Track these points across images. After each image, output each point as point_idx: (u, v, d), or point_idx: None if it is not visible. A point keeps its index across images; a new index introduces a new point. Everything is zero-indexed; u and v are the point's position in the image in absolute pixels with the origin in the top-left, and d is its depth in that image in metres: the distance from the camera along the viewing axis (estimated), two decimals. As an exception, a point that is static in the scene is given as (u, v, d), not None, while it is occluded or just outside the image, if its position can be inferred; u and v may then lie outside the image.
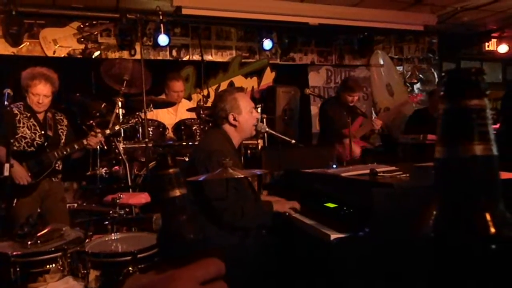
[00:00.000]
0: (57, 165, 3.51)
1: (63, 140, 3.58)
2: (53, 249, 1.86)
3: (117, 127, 3.61)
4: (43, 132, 3.43)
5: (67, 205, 4.04)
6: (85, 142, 3.42)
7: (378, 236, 1.77)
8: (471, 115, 0.43)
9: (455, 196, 0.44)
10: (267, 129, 2.81)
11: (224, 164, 1.95)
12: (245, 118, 2.45)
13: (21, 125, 3.36)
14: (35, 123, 3.42)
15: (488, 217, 0.42)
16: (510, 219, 0.43)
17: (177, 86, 4.61)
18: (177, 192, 0.62)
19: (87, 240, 2.02)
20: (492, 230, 0.42)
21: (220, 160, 2.13)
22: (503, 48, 6.67)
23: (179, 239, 0.61)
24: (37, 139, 3.40)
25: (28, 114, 3.40)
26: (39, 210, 3.40)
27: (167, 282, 0.54)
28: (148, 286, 0.54)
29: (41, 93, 3.35)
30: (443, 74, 0.45)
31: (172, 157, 0.63)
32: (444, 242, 0.43)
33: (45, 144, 3.41)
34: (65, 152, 3.43)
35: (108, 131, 3.54)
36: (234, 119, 2.42)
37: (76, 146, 3.43)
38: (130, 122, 3.72)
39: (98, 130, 3.54)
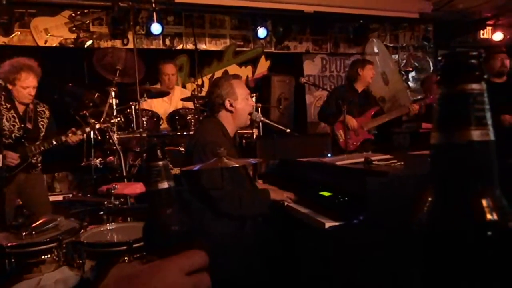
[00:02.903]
0: (34, 159, 3.43)
1: (43, 133, 3.49)
2: (48, 239, 1.86)
3: (97, 125, 3.52)
4: (22, 125, 3.35)
5: (63, 196, 4.03)
6: (63, 138, 3.35)
7: (373, 224, 1.77)
8: (468, 100, 0.42)
9: (451, 182, 0.43)
10: (262, 118, 2.80)
11: (219, 153, 1.95)
12: (241, 104, 2.43)
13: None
14: (15, 115, 3.34)
15: (484, 203, 0.42)
16: (506, 205, 0.43)
17: (168, 68, 4.61)
18: (165, 184, 0.62)
19: (82, 231, 2.02)
20: (489, 216, 0.41)
21: (214, 151, 2.13)
22: (498, 36, 6.66)
23: (165, 231, 0.62)
24: (16, 131, 3.32)
25: (8, 106, 3.32)
26: (20, 202, 3.37)
27: (153, 271, 0.53)
28: (133, 276, 0.54)
29: (31, 85, 3.29)
30: (439, 57, 0.44)
31: (161, 149, 0.63)
32: (439, 228, 0.42)
33: (24, 136, 3.34)
34: (42, 148, 3.35)
35: (88, 129, 3.47)
36: (231, 105, 2.41)
37: (54, 142, 3.35)
38: (112, 121, 3.61)
39: (93, 121, 3.50)
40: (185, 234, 0.63)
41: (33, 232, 1.91)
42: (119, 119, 3.67)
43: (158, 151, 0.63)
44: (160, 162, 0.62)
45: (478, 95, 0.43)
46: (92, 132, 4.01)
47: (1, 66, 3.34)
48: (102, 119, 3.61)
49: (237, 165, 2.00)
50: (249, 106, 2.49)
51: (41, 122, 3.52)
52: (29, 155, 3.33)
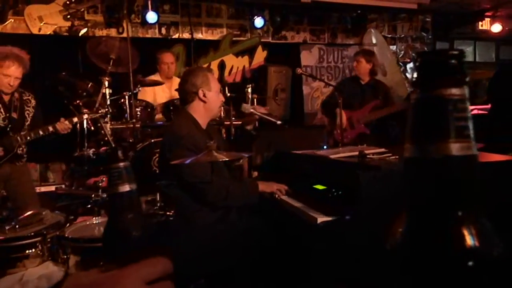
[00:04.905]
0: (20, 150, 3.34)
1: (28, 123, 3.39)
2: (32, 234, 1.81)
3: (85, 116, 3.45)
4: (7, 114, 3.26)
5: (55, 186, 3.99)
6: (50, 128, 3.27)
7: (364, 220, 1.74)
8: (447, 107, 0.36)
9: (426, 204, 0.37)
10: (251, 110, 2.76)
11: (208, 147, 1.92)
12: (214, 97, 2.45)
13: None
14: (0, 105, 3.25)
15: (464, 229, 0.36)
16: (490, 230, 0.37)
17: (166, 57, 4.57)
18: (126, 187, 0.58)
19: (68, 225, 1.98)
20: (469, 243, 0.36)
21: (189, 145, 2.14)
22: (496, 28, 6.60)
23: (125, 237, 0.58)
24: (0, 121, 3.23)
25: None
26: (4, 193, 3.31)
27: (111, 281, 0.49)
28: (90, 286, 0.49)
29: (13, 75, 3.18)
30: (415, 56, 0.38)
31: (123, 151, 0.59)
32: (415, 257, 0.37)
33: (9, 127, 3.25)
34: (28, 138, 3.27)
35: (75, 119, 3.39)
36: (204, 95, 2.40)
37: (41, 132, 3.27)
38: (100, 111, 3.53)
39: (85, 111, 3.42)
40: (147, 240, 0.59)
41: (17, 226, 1.87)
42: (107, 109, 3.59)
43: (119, 152, 0.59)
44: (121, 164, 0.59)
45: (459, 101, 0.36)
46: (85, 122, 3.97)
47: None
48: (91, 109, 3.54)
49: (227, 159, 1.97)
50: (219, 101, 2.52)
51: (27, 111, 3.42)
52: (15, 145, 3.25)
